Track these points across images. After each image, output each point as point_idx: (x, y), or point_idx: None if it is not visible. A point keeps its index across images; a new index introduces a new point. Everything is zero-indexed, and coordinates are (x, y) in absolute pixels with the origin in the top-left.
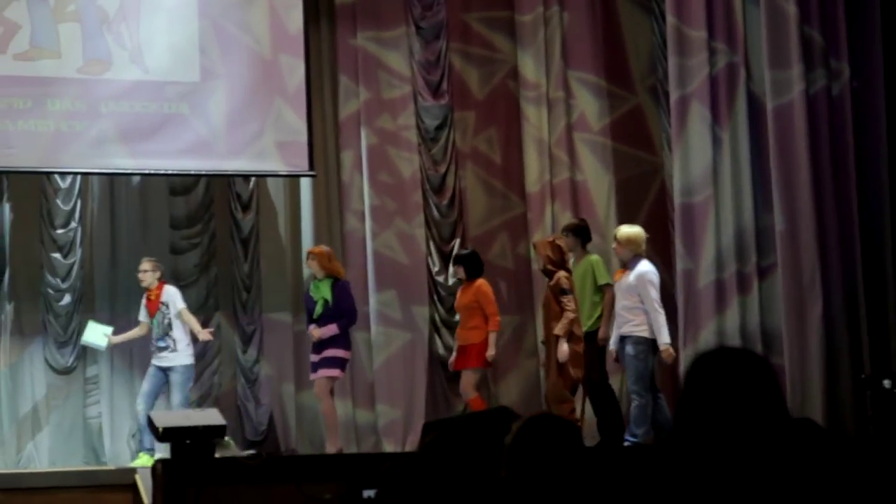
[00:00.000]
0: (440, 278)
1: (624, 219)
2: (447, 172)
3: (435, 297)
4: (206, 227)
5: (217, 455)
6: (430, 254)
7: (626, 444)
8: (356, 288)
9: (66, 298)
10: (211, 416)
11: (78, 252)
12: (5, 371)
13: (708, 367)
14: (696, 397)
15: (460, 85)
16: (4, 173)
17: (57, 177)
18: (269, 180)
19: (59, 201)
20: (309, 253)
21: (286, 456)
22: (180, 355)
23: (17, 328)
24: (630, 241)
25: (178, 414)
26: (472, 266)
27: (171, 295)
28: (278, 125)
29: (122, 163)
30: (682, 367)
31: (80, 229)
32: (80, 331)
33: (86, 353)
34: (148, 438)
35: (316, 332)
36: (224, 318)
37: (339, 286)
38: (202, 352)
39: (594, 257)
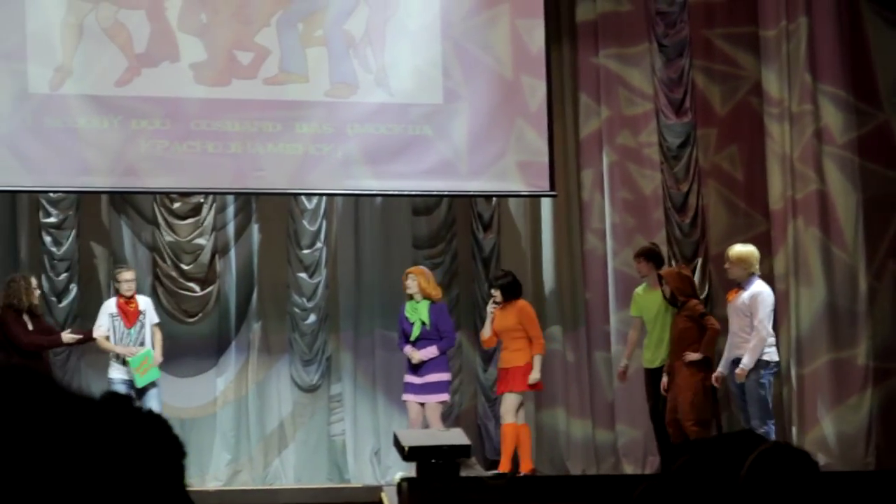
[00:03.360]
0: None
1: (871, 238)
2: (689, 190)
3: None
4: (448, 246)
5: (462, 474)
6: None
7: None
8: (596, 307)
9: (312, 317)
10: (456, 436)
11: (323, 272)
12: (253, 388)
13: None
14: None
15: (703, 102)
16: (254, 195)
17: (303, 198)
18: (510, 200)
19: (305, 222)
20: (408, 273)
21: (530, 476)
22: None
23: (265, 346)
24: (742, 260)
25: (424, 433)
26: (511, 289)
27: (147, 304)
28: (520, 145)
29: (367, 184)
30: None
31: (325, 249)
32: (324, 349)
33: (330, 371)
34: None
35: (416, 354)
36: (465, 337)
37: (438, 308)
38: None
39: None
